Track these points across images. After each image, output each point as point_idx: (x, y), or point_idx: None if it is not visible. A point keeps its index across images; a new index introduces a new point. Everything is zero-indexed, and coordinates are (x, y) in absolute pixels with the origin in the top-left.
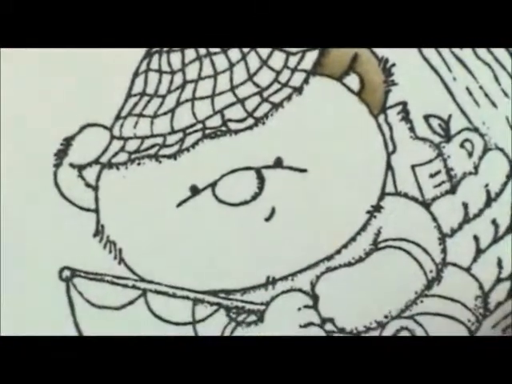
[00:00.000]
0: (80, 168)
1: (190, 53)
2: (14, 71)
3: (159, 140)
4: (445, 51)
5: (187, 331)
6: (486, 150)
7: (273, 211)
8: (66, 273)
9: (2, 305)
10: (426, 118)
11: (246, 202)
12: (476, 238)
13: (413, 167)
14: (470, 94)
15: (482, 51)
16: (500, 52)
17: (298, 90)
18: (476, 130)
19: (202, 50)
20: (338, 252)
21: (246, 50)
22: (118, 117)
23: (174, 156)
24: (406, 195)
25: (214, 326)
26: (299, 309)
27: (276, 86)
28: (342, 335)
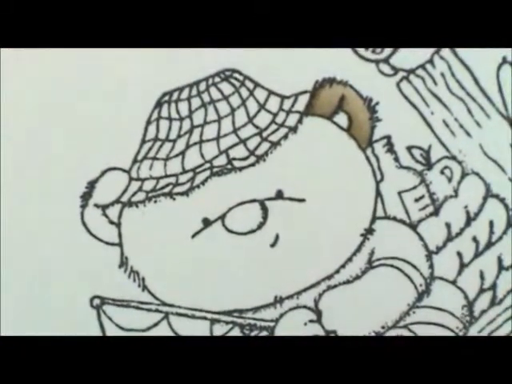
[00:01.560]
0: (103, 208)
1: (196, 101)
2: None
3: (172, 179)
4: (422, 89)
5: None
6: (463, 175)
7: (277, 238)
8: (97, 301)
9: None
10: (409, 149)
11: (252, 231)
12: (459, 254)
13: (399, 193)
14: (447, 126)
15: (455, 87)
16: (472, 87)
17: (293, 130)
18: (454, 157)
19: (206, 98)
20: (337, 271)
21: (245, 95)
22: (134, 161)
23: (186, 193)
24: (394, 218)
25: None
26: (305, 323)
27: (273, 127)
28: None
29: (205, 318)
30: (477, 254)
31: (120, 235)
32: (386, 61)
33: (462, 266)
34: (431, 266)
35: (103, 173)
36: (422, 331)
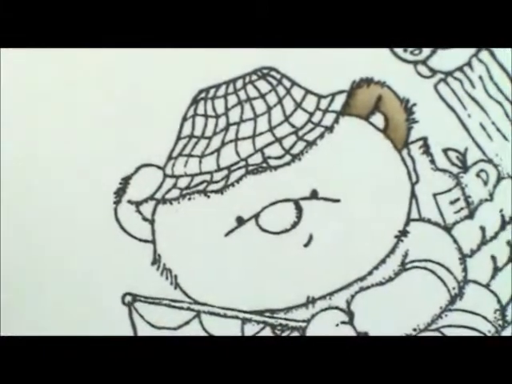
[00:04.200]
0: (137, 204)
1: (232, 98)
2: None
3: (207, 177)
4: (460, 91)
5: None
6: (499, 178)
7: (310, 238)
8: (128, 298)
9: (73, 329)
10: (445, 151)
11: (286, 231)
12: (493, 258)
13: (434, 195)
14: (484, 129)
15: (493, 90)
16: (510, 91)
17: (330, 129)
18: (490, 161)
19: (243, 96)
20: (370, 273)
21: (282, 93)
22: (169, 157)
23: (220, 191)
24: (429, 221)
25: None
26: (337, 324)
27: (310, 126)
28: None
29: (236, 318)
30: (511, 258)
31: (153, 232)
32: (424, 62)
33: (496, 269)
34: (465, 270)
35: (137, 169)
36: (454, 334)
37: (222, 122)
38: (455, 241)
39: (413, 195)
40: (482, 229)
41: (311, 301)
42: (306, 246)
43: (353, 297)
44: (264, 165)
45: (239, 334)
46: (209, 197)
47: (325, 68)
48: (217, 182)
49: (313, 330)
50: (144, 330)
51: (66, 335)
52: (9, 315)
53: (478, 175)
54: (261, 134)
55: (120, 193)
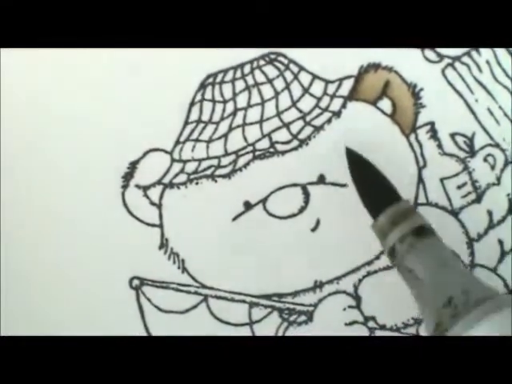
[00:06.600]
0: (145, 189)
1: (240, 83)
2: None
3: (214, 162)
4: (467, 76)
5: (245, 331)
6: (506, 163)
7: (318, 222)
8: (136, 282)
9: (80, 313)
10: (452, 135)
11: (293, 215)
12: (500, 242)
13: (442, 180)
14: (491, 113)
15: (500, 75)
16: None
17: (337, 114)
18: (497, 145)
19: (251, 81)
20: (377, 257)
21: (289, 79)
22: (177, 142)
23: (228, 176)
24: (436, 205)
25: (269, 326)
26: (344, 309)
27: (317, 111)
28: (383, 332)
29: (244, 302)
30: None
31: (161, 216)
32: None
33: (503, 253)
34: (472, 254)
35: (145, 153)
36: None
37: (230, 106)
38: (462, 225)
39: (420, 180)
40: (489, 213)
41: (319, 285)
42: (313, 230)
43: (360, 281)
44: (271, 150)
45: (246, 318)
46: (216, 181)
47: (332, 53)
48: (224, 166)
49: (320, 314)
50: (151, 314)
51: (70, 326)
52: (14, 302)
53: (485, 160)
54: (268, 119)
55: (128, 177)
